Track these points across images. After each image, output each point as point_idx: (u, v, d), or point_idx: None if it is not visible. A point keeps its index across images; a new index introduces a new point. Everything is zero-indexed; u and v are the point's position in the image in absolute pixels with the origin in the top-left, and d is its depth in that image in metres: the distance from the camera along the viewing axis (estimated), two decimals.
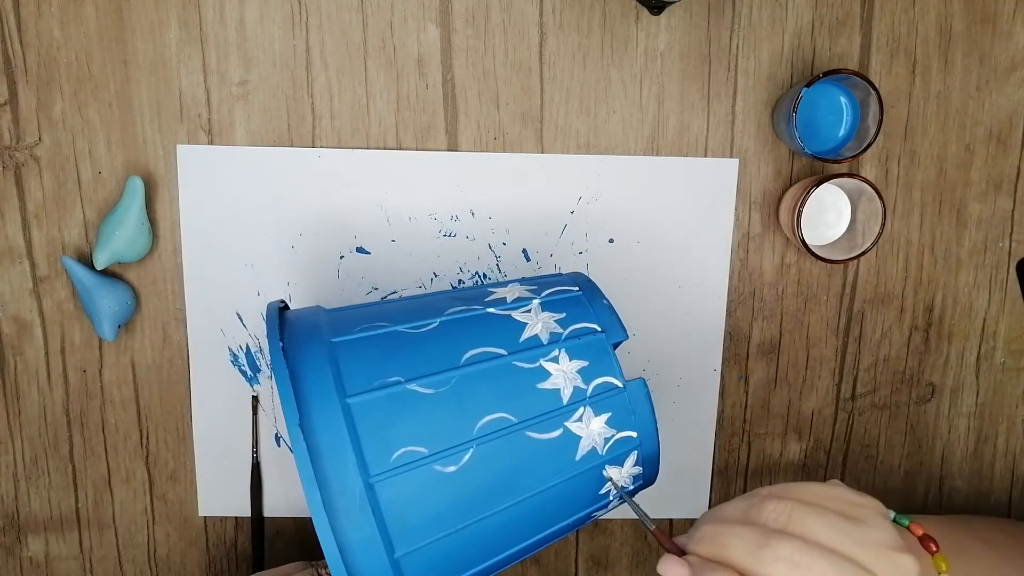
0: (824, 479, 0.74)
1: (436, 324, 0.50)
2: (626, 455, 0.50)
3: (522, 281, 0.56)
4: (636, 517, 0.73)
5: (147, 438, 0.70)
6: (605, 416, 0.49)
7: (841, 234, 0.68)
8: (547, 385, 0.48)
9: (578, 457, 0.48)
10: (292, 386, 0.45)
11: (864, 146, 0.63)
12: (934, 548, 0.43)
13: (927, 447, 0.74)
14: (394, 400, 0.46)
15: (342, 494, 0.43)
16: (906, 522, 0.44)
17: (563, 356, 0.49)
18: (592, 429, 0.49)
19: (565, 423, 0.48)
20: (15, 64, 0.65)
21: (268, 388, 0.70)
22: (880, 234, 0.63)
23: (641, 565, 0.75)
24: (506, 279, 0.69)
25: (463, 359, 0.48)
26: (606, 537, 0.74)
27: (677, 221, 0.69)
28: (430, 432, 0.46)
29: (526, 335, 0.50)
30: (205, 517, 0.72)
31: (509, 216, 0.68)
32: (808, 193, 0.63)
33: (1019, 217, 0.70)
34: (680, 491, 0.73)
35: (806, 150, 0.63)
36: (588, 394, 0.49)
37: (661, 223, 0.69)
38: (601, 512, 0.53)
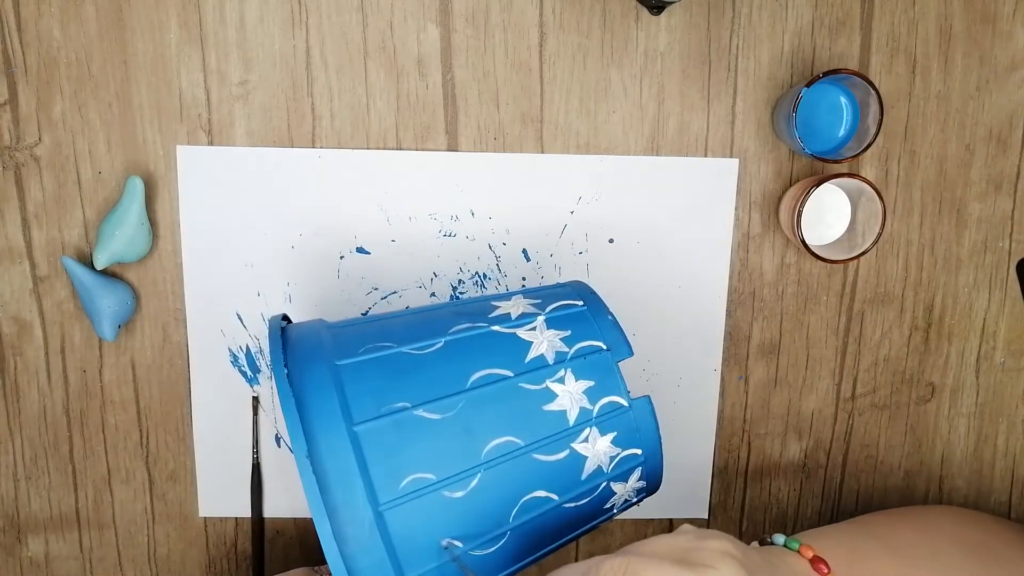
0: (824, 479, 0.74)
1: (441, 344, 0.50)
2: (631, 471, 0.50)
3: (525, 292, 0.55)
4: (636, 517, 0.73)
5: (147, 438, 0.70)
6: (611, 436, 0.49)
7: (841, 234, 0.68)
8: (553, 407, 0.48)
9: (584, 476, 0.48)
10: (299, 414, 0.45)
11: (864, 146, 0.63)
12: (825, 570, 0.43)
13: (927, 447, 0.74)
14: (401, 426, 0.46)
15: (351, 523, 0.43)
16: (796, 545, 0.44)
17: (569, 376, 0.49)
18: (598, 449, 0.49)
19: (571, 444, 0.48)
20: (15, 64, 0.65)
21: (268, 389, 0.70)
22: (880, 234, 0.63)
23: None
24: (506, 281, 0.69)
25: (469, 382, 0.48)
26: (606, 537, 0.74)
27: (677, 221, 0.69)
28: (438, 458, 0.46)
29: (532, 355, 0.50)
30: (205, 517, 0.72)
31: (509, 216, 0.68)
32: (808, 193, 0.63)
33: (1019, 217, 0.70)
34: (680, 491, 0.73)
35: (806, 150, 0.63)
36: (594, 415, 0.49)
37: (661, 223, 0.69)
38: (604, 522, 0.53)
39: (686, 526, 0.44)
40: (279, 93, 0.66)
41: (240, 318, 0.69)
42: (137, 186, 0.64)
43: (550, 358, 0.50)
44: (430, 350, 0.50)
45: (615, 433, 0.49)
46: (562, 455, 0.48)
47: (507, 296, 0.55)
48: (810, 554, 0.43)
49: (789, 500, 0.74)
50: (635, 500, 0.52)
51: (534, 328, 0.51)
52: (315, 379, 0.47)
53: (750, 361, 0.71)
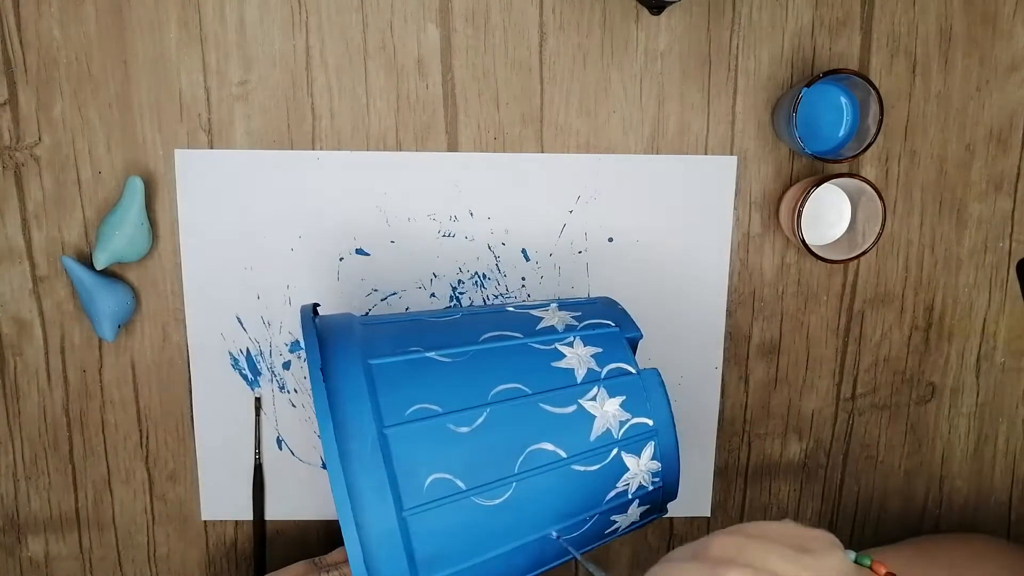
0: (824, 479, 0.74)
1: (459, 316, 0.54)
2: (643, 444, 0.51)
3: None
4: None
5: (147, 438, 0.70)
6: (620, 399, 0.51)
7: (841, 234, 0.68)
8: (561, 364, 0.51)
9: (593, 437, 0.49)
10: (319, 351, 0.48)
11: (864, 146, 0.63)
12: None
13: (927, 447, 0.74)
14: (413, 365, 0.49)
15: (356, 437, 0.45)
16: (868, 561, 0.44)
17: (578, 342, 0.52)
18: (607, 410, 0.50)
19: (579, 400, 0.50)
20: (15, 64, 0.65)
21: (269, 391, 0.70)
22: (880, 234, 0.63)
23: (641, 565, 0.75)
24: (506, 281, 0.69)
25: (481, 338, 0.51)
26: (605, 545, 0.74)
27: (677, 220, 0.69)
28: (445, 393, 0.48)
29: (542, 325, 0.54)
30: (206, 520, 0.72)
31: (508, 216, 0.68)
32: (808, 193, 0.63)
33: (1019, 217, 0.70)
34: (681, 491, 0.72)
35: (806, 150, 0.63)
36: (602, 376, 0.51)
37: (661, 222, 0.69)
38: (618, 511, 0.52)
39: (788, 520, 0.44)
40: (279, 93, 0.66)
41: (240, 321, 0.69)
42: (137, 186, 0.64)
43: (560, 329, 0.53)
44: (446, 319, 0.55)
45: (624, 397, 0.50)
46: (569, 409, 0.49)
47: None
48: (883, 570, 0.43)
49: (789, 500, 0.74)
50: (651, 488, 0.52)
51: (547, 307, 0.56)
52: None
53: (750, 361, 0.71)
